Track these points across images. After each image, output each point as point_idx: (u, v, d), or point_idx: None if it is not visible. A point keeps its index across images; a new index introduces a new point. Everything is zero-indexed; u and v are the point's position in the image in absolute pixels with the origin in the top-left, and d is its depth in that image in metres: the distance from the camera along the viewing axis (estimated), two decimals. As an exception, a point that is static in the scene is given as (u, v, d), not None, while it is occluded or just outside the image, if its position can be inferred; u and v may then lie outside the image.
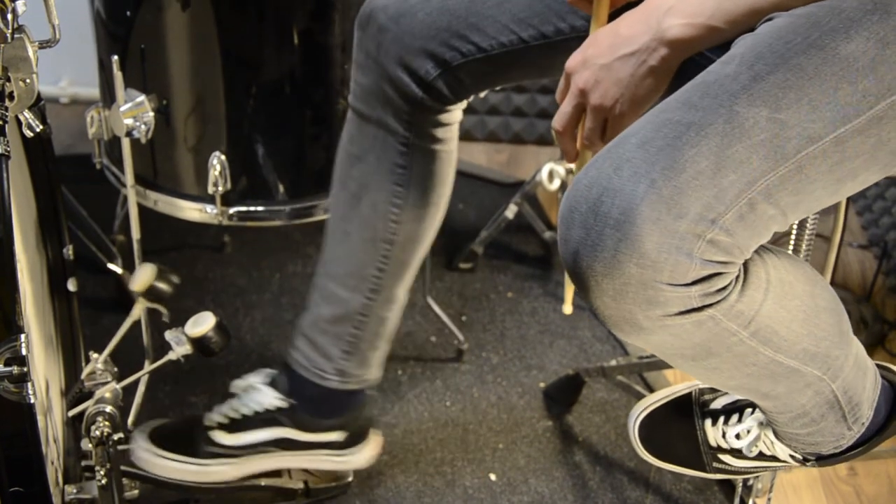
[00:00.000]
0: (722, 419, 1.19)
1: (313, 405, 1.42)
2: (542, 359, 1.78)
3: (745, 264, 0.90)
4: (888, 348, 1.83)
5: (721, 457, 1.19)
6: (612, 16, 1.04)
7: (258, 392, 1.42)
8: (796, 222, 1.30)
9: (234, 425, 1.41)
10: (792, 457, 1.14)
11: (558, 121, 1.03)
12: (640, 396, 1.66)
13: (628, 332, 0.90)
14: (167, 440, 1.41)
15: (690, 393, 1.23)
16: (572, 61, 1.01)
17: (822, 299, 1.00)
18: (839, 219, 1.39)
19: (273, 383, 1.43)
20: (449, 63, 1.20)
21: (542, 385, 1.72)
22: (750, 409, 1.17)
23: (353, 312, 1.37)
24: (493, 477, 1.54)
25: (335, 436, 1.44)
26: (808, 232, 1.35)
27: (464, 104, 1.30)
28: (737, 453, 1.18)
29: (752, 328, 0.92)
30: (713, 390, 1.22)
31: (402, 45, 1.20)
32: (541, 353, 1.80)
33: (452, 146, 1.32)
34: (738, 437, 1.16)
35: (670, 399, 1.23)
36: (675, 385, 1.25)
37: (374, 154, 1.29)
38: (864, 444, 1.12)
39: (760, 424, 1.15)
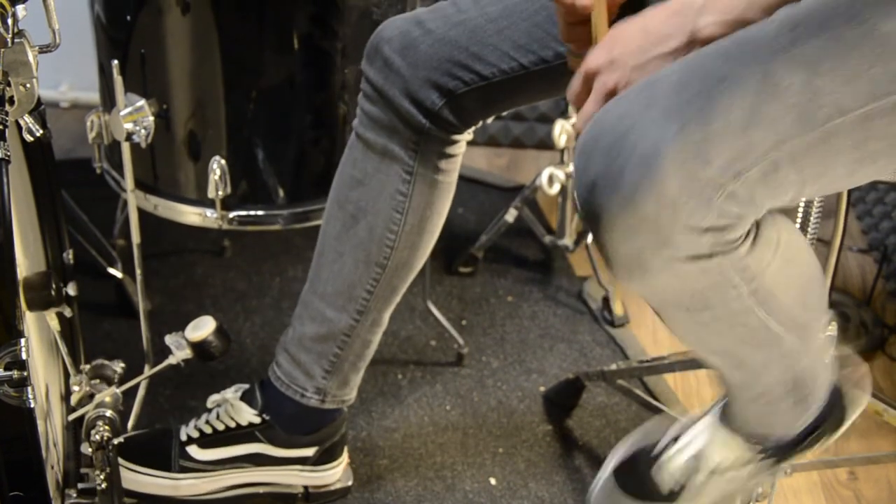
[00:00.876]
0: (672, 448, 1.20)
1: (290, 422, 1.42)
2: (542, 363, 1.78)
3: (759, 222, 0.91)
4: (888, 353, 1.83)
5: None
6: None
7: (232, 407, 1.42)
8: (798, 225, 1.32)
9: (209, 440, 1.41)
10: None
11: (582, 122, 1.00)
12: (640, 401, 1.66)
13: (632, 273, 0.90)
14: (137, 454, 1.41)
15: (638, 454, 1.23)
16: (596, 61, 0.97)
17: (817, 269, 1.02)
18: (839, 223, 1.39)
19: (248, 398, 1.43)
20: (453, 92, 1.22)
21: (542, 389, 1.72)
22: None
23: (339, 332, 1.37)
24: (493, 481, 1.54)
25: (308, 451, 1.44)
26: (808, 236, 1.35)
27: (469, 135, 1.31)
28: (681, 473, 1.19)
29: (753, 285, 0.93)
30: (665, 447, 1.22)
31: (406, 78, 1.22)
32: (541, 357, 1.79)
33: (453, 178, 1.33)
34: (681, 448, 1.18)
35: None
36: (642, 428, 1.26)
37: (377, 180, 1.30)
38: (800, 443, 1.15)
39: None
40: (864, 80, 0.87)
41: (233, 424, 1.42)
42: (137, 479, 1.40)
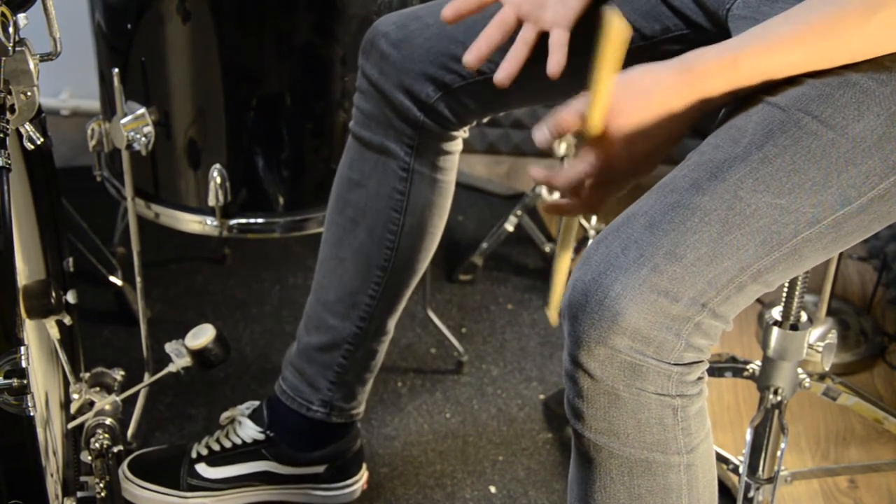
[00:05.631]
0: None
1: (295, 437, 1.41)
2: (542, 371, 1.78)
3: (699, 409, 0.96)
4: (888, 361, 1.83)
5: None
6: None
7: (240, 424, 1.42)
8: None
9: (216, 458, 1.41)
10: None
11: (564, 183, 1.00)
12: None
13: (609, 401, 0.93)
14: (148, 471, 1.41)
15: None
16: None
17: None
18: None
19: (254, 415, 1.42)
20: (449, 86, 1.21)
21: (542, 397, 1.72)
22: None
23: (342, 341, 1.36)
24: (493, 489, 1.54)
25: (318, 469, 1.43)
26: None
27: (465, 133, 1.30)
28: None
29: (689, 458, 0.96)
30: None
31: (402, 70, 1.22)
32: (541, 364, 1.79)
33: (451, 177, 1.33)
34: None
35: None
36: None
37: (374, 179, 1.29)
38: None
39: None
40: (835, 187, 0.90)
41: (238, 442, 1.41)
42: (145, 496, 1.39)
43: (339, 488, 1.45)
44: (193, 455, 1.42)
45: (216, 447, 1.41)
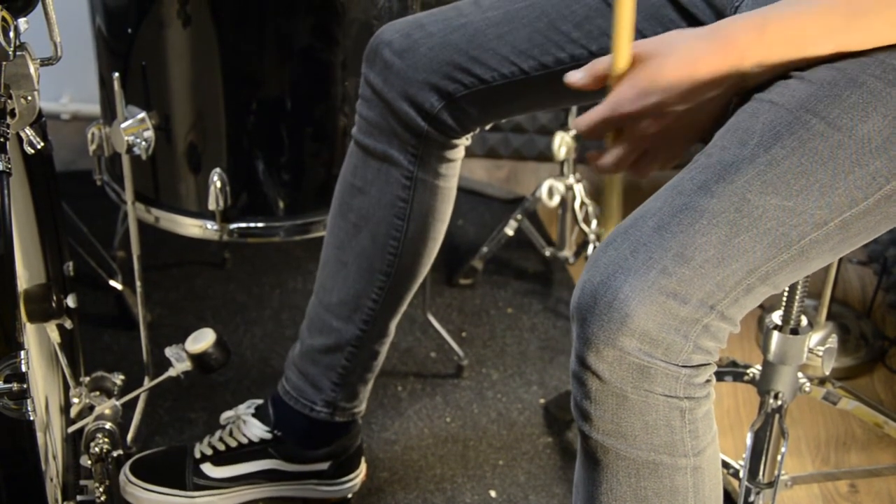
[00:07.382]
0: None
1: (301, 437, 1.42)
2: (542, 375, 1.78)
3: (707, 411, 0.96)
4: (888, 365, 1.83)
5: None
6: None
7: (245, 424, 1.42)
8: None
9: (222, 457, 1.41)
10: None
11: (611, 162, 1.04)
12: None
13: (618, 403, 0.93)
14: (152, 473, 1.41)
15: None
16: (635, 104, 0.98)
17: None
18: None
19: (259, 414, 1.43)
20: (452, 95, 1.21)
21: (542, 401, 1.72)
22: None
23: (345, 343, 1.37)
24: (493, 494, 1.54)
25: (322, 465, 1.44)
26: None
27: (468, 140, 1.31)
28: None
29: (696, 461, 0.96)
30: None
31: (406, 80, 1.22)
32: (541, 368, 1.79)
33: (453, 183, 1.33)
34: None
35: None
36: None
37: (377, 186, 1.29)
38: None
39: None
40: (842, 189, 0.90)
41: (245, 441, 1.41)
42: (152, 498, 1.39)
43: (342, 483, 1.46)
44: (197, 455, 1.42)
45: (221, 447, 1.42)
